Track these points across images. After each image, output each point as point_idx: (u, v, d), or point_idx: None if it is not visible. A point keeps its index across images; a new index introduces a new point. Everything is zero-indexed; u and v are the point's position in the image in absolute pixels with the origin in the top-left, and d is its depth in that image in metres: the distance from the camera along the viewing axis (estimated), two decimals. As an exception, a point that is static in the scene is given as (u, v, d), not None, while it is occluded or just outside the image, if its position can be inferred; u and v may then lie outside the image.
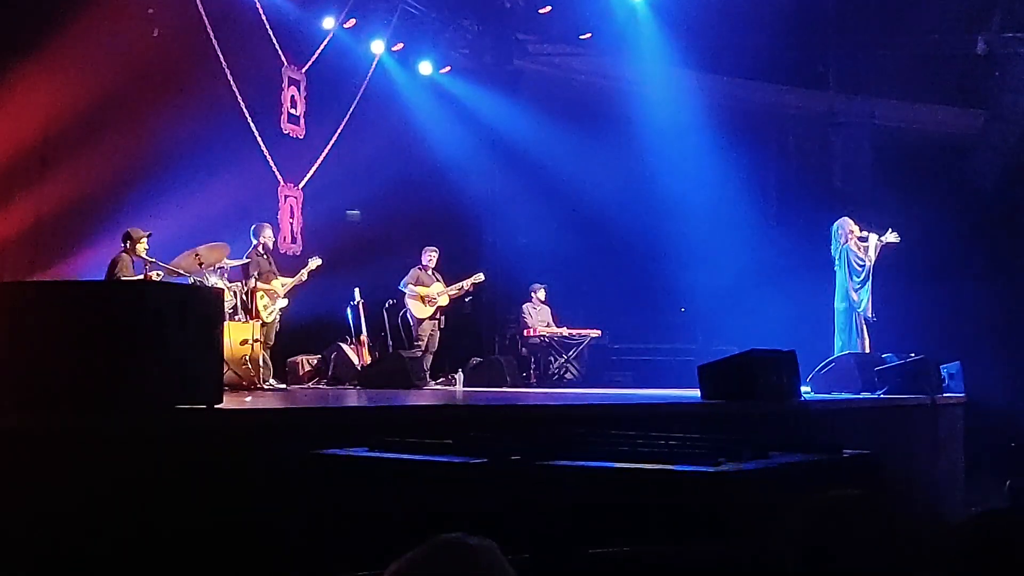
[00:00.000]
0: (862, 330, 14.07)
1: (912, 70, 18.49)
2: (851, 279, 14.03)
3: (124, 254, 11.69)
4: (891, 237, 14.00)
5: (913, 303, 14.63)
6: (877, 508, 3.24)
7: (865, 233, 14.10)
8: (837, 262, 14.22)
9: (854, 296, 14.01)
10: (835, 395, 12.38)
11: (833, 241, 14.29)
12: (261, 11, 15.34)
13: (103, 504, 5.62)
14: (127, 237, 11.75)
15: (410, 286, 15.29)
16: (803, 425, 9.75)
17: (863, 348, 13.96)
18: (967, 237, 17.04)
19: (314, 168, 16.20)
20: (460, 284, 15.57)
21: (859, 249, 14.02)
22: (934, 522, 3.28)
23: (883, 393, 12.26)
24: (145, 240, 11.79)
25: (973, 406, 13.45)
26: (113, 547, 5.59)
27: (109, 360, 6.38)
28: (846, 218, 14.36)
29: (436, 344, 15.52)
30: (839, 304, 14.21)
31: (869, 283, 13.99)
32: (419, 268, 15.43)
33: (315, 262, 13.81)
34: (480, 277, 15.70)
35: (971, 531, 2.98)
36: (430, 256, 15.50)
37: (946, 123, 19.18)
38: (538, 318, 17.23)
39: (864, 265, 13.96)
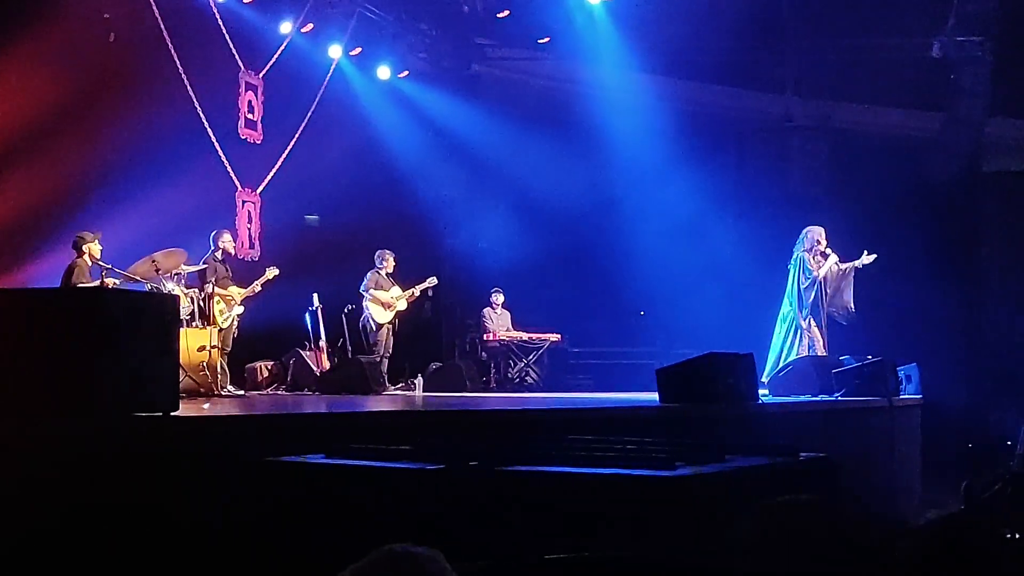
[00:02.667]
0: (805, 335, 14.08)
1: (869, 73, 18.61)
2: (799, 287, 14.06)
3: (79, 260, 11.61)
4: (867, 259, 14.00)
5: (870, 305, 14.68)
6: (834, 511, 3.24)
7: (828, 251, 14.08)
8: (791, 265, 14.24)
9: (797, 305, 14.03)
10: (793, 398, 12.42)
11: (797, 244, 14.28)
12: (218, 16, 15.25)
13: (57, 513, 5.56)
14: (79, 242, 11.68)
15: (371, 291, 15.25)
16: (761, 428, 9.77)
17: (804, 353, 13.98)
18: (924, 239, 17.15)
19: (272, 173, 16.11)
20: (413, 289, 15.53)
21: (813, 263, 14.03)
22: (891, 525, 3.28)
23: (840, 395, 12.30)
24: (97, 242, 11.73)
25: (930, 408, 13.55)
26: (68, 555, 5.53)
27: (63, 368, 6.30)
28: (819, 228, 14.28)
29: (391, 348, 15.48)
30: (785, 308, 14.24)
31: (814, 293, 14.00)
32: (376, 272, 15.38)
33: (272, 272, 13.73)
34: (433, 281, 15.66)
35: (928, 534, 2.98)
36: (387, 261, 15.44)
37: (903, 126, 19.30)
38: (498, 323, 17.24)
39: (811, 277, 13.99)
